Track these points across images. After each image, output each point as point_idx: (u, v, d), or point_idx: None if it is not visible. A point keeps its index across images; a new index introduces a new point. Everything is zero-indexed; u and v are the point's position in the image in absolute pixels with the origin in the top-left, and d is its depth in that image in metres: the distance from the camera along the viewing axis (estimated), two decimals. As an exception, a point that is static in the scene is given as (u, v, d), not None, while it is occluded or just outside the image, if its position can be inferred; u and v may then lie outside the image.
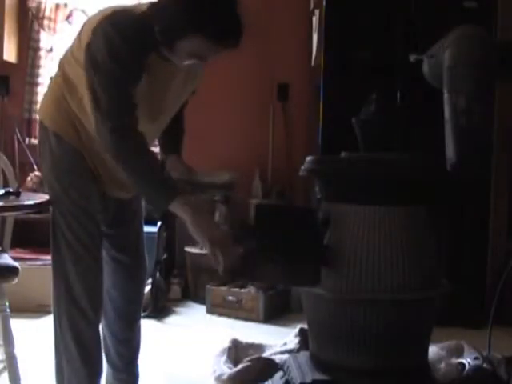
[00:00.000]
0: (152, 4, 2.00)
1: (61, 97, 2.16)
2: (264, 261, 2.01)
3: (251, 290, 4.03)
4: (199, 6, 1.87)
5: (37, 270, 3.89)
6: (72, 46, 2.15)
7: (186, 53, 1.96)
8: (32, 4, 4.76)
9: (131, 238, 2.40)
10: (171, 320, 3.96)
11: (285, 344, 2.98)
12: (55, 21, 4.74)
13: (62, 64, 2.17)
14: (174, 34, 1.92)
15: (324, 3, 3.91)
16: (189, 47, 1.94)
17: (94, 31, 1.98)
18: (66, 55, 2.18)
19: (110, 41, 1.93)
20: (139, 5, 2.11)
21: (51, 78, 2.26)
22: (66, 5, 4.77)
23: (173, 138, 2.36)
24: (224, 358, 2.82)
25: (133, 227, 2.41)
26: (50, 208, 2.25)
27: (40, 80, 4.78)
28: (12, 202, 2.34)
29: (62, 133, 2.15)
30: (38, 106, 2.29)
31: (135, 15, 2.01)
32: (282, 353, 2.82)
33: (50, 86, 2.27)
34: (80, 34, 2.10)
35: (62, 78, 2.15)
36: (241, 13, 1.93)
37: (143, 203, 2.45)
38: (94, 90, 1.97)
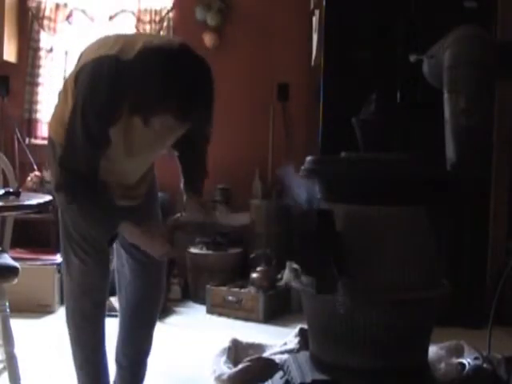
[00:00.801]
0: (134, 59, 1.96)
1: (62, 112, 2.19)
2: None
3: (251, 289, 4.03)
4: (161, 89, 1.88)
5: (37, 269, 3.88)
6: (72, 69, 2.18)
7: (158, 126, 1.97)
8: (32, 4, 4.76)
9: None
10: (171, 320, 3.96)
11: (285, 344, 2.98)
12: (55, 21, 4.74)
13: (66, 82, 2.20)
14: (144, 111, 1.95)
15: (324, 3, 3.91)
16: (160, 123, 1.95)
17: (79, 72, 2.03)
18: (66, 77, 2.22)
19: (84, 90, 1.98)
20: (130, 44, 2.04)
21: (59, 91, 2.31)
22: (65, 5, 4.77)
23: (194, 179, 2.37)
24: (224, 358, 2.82)
25: None
26: (59, 211, 2.27)
27: (40, 80, 4.78)
28: (12, 202, 2.34)
29: None
30: (44, 111, 2.35)
31: (117, 67, 1.97)
32: (281, 353, 2.82)
33: (58, 98, 2.30)
34: (79, 60, 2.14)
35: (64, 96, 2.18)
36: (207, 82, 1.94)
37: (158, 207, 2.47)
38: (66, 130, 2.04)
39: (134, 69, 1.94)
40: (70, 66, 4.64)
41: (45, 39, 4.79)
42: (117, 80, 1.96)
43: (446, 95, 2.07)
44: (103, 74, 1.97)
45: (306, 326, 2.43)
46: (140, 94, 1.93)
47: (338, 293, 1.91)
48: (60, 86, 2.37)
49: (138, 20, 4.70)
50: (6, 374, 2.47)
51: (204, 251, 4.36)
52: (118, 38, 2.11)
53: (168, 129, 2.02)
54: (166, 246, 2.07)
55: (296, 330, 3.02)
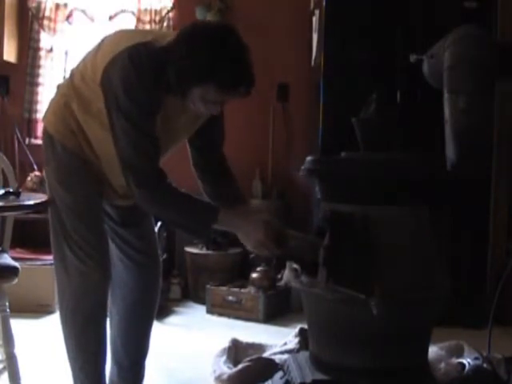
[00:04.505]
0: (170, 44, 2.01)
1: (65, 106, 2.18)
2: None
3: (251, 289, 4.03)
4: (211, 56, 1.92)
5: (37, 269, 3.89)
6: (85, 61, 2.16)
7: (198, 99, 2.00)
8: (32, 4, 4.76)
9: (142, 238, 2.41)
10: (171, 320, 3.96)
11: (285, 344, 2.97)
12: (55, 21, 4.74)
13: (74, 75, 2.19)
14: (187, 82, 1.96)
15: (324, 3, 3.91)
16: (201, 94, 1.98)
17: (113, 62, 2.00)
18: (78, 68, 2.19)
19: (127, 78, 1.97)
20: (161, 35, 2.12)
21: (58, 85, 2.29)
22: (65, 5, 4.77)
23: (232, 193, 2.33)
24: (224, 358, 2.82)
25: (143, 228, 2.42)
26: (49, 210, 2.26)
27: (40, 80, 4.78)
28: (12, 202, 2.34)
29: (66, 141, 2.19)
30: (44, 111, 2.33)
31: (153, 50, 2.02)
32: (281, 353, 2.82)
33: (56, 94, 2.29)
34: (97, 52, 2.11)
35: (71, 89, 2.17)
36: (251, 62, 2.00)
37: None
38: (115, 133, 2.02)
39: (177, 45, 1.96)
40: (71, 66, 4.64)
41: (45, 39, 4.79)
42: (157, 62, 1.99)
43: (445, 95, 2.06)
44: (143, 58, 1.99)
45: (306, 326, 2.42)
46: (184, 66, 1.93)
47: (374, 295, 1.91)
48: (57, 84, 2.36)
49: (138, 20, 4.70)
50: (5, 374, 2.47)
51: (204, 251, 4.36)
52: (146, 31, 2.13)
53: (203, 104, 2.02)
54: (269, 240, 1.99)
55: (296, 330, 3.02)
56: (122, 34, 2.18)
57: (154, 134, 2.04)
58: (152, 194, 2.04)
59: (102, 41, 2.16)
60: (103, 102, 2.04)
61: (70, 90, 2.17)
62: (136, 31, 2.18)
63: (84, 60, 2.18)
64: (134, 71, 1.97)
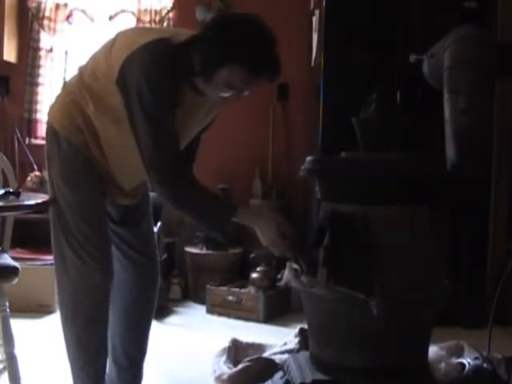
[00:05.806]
0: (192, 35, 2.03)
1: (71, 103, 2.17)
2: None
3: (251, 289, 4.03)
4: (240, 39, 1.94)
5: (37, 269, 3.89)
6: (97, 58, 2.14)
7: (222, 83, 1.99)
8: (32, 4, 4.76)
9: (141, 238, 2.41)
10: (171, 320, 3.95)
11: (285, 344, 2.97)
12: (55, 21, 4.74)
13: (83, 73, 2.17)
14: (214, 62, 1.96)
15: (324, 3, 3.90)
16: (226, 77, 1.97)
17: (131, 58, 2.00)
18: (88, 65, 2.18)
19: (147, 74, 1.96)
20: (177, 33, 2.12)
21: (65, 82, 2.27)
22: (66, 5, 4.76)
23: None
24: (224, 358, 2.82)
25: (142, 227, 2.42)
26: (51, 209, 2.26)
27: (40, 80, 4.77)
28: (12, 202, 2.34)
29: (72, 138, 2.17)
30: (44, 111, 2.32)
31: (173, 45, 2.02)
32: (282, 353, 2.82)
33: (62, 91, 2.27)
34: (111, 48, 2.10)
35: (81, 86, 2.15)
36: (277, 50, 2.03)
37: (151, 204, 2.48)
38: (137, 132, 2.03)
39: (205, 33, 1.98)
40: (71, 66, 4.63)
41: (45, 39, 4.78)
42: (177, 56, 2.00)
43: (446, 95, 2.07)
44: (163, 53, 1.99)
45: (306, 326, 2.42)
46: (211, 50, 1.95)
47: (374, 295, 1.91)
48: (63, 82, 2.34)
49: (138, 20, 4.70)
50: (5, 374, 2.47)
51: (204, 251, 4.36)
52: (161, 29, 2.11)
53: (226, 90, 2.02)
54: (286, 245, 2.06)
55: (296, 330, 3.02)
56: (137, 30, 2.17)
57: (174, 131, 2.04)
58: (175, 194, 2.06)
59: (116, 36, 2.14)
60: (121, 99, 2.03)
61: (79, 87, 2.15)
62: (151, 28, 2.16)
63: (95, 56, 2.16)
64: (154, 66, 1.97)
